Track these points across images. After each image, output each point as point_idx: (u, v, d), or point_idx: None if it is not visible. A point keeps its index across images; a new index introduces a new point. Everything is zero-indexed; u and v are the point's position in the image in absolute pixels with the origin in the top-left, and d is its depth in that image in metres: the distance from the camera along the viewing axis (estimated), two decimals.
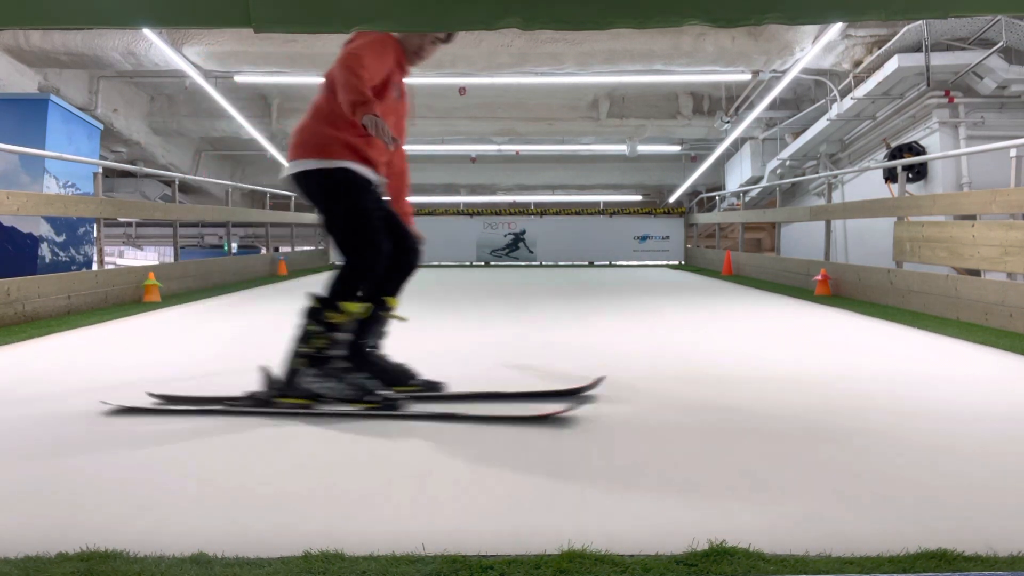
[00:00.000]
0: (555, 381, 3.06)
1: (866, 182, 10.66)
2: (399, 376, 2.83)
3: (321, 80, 2.78)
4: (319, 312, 2.67)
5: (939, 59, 8.59)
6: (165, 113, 13.08)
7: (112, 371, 3.41)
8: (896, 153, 9.45)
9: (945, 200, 6.07)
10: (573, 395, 2.81)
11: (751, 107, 12.07)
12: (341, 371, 2.69)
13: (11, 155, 7.19)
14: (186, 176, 10.89)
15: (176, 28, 9.36)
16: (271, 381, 2.70)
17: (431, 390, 2.84)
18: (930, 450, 2.19)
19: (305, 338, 2.69)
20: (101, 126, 9.55)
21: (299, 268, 11.72)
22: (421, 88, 12.17)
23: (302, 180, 2.76)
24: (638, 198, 18.43)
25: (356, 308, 2.68)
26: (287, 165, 2.77)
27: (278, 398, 2.67)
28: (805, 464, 2.06)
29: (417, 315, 5.60)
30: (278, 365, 2.72)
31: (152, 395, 2.78)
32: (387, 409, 2.61)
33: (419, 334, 4.64)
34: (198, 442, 2.30)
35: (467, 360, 3.71)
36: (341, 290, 2.68)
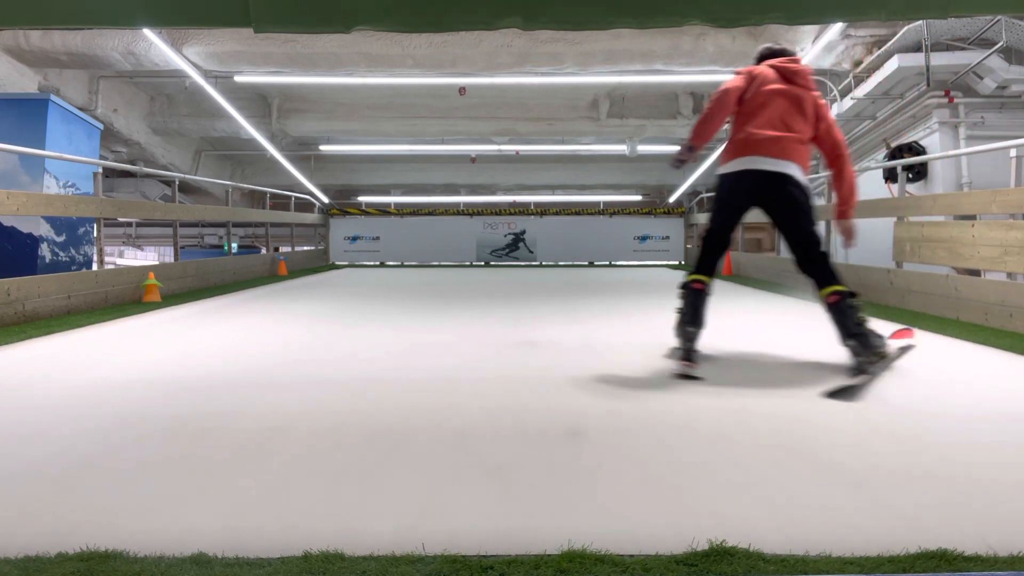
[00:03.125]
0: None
1: (866, 182, 10.63)
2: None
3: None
4: (852, 294, 3.44)
5: (939, 59, 8.58)
6: (165, 113, 13.07)
7: (112, 371, 3.41)
8: (896, 153, 9.45)
9: (945, 200, 6.07)
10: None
11: None
12: (873, 334, 3.46)
13: (11, 155, 7.19)
14: (186, 176, 10.88)
15: (176, 28, 9.36)
16: (860, 350, 3.37)
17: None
18: (930, 450, 2.19)
19: (856, 311, 3.41)
20: (101, 126, 9.55)
21: (299, 268, 11.72)
22: (421, 88, 12.17)
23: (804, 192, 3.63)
24: (638, 198, 18.43)
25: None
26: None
27: (871, 358, 3.37)
28: (805, 464, 2.06)
29: (416, 317, 5.60)
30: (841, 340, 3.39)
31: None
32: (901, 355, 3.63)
33: (417, 336, 4.64)
34: (198, 441, 2.30)
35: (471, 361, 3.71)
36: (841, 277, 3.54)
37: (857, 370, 3.27)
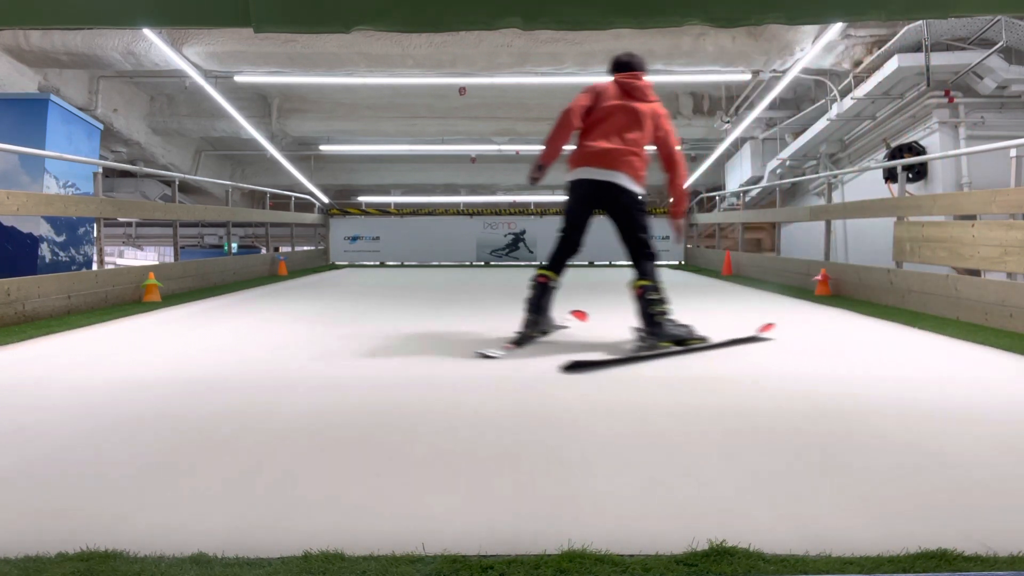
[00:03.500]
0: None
1: (866, 182, 10.65)
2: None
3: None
4: (655, 288, 4.06)
5: (939, 59, 8.58)
6: (165, 113, 13.08)
7: (112, 371, 3.41)
8: (896, 153, 9.45)
9: (945, 200, 6.07)
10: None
11: (751, 107, 12.06)
12: (673, 323, 4.06)
13: (11, 155, 7.19)
14: (186, 176, 10.88)
15: (176, 28, 9.36)
16: (643, 335, 3.98)
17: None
18: (930, 450, 2.19)
19: (656, 303, 4.00)
20: (101, 126, 9.54)
21: (299, 268, 11.72)
22: (421, 88, 12.17)
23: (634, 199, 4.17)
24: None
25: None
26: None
27: (659, 343, 3.92)
28: (805, 464, 2.06)
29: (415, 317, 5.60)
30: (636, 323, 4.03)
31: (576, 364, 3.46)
32: (702, 343, 4.04)
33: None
34: (198, 441, 2.30)
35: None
36: (656, 274, 4.14)
37: (639, 346, 3.96)
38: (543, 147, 4.23)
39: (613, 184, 4.11)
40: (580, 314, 4.86)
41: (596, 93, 4.15)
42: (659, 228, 14.98)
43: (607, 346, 4.05)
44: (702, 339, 4.08)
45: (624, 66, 4.19)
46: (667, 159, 4.25)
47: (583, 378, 3.23)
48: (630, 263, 4.19)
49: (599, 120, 4.13)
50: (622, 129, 4.11)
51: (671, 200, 4.37)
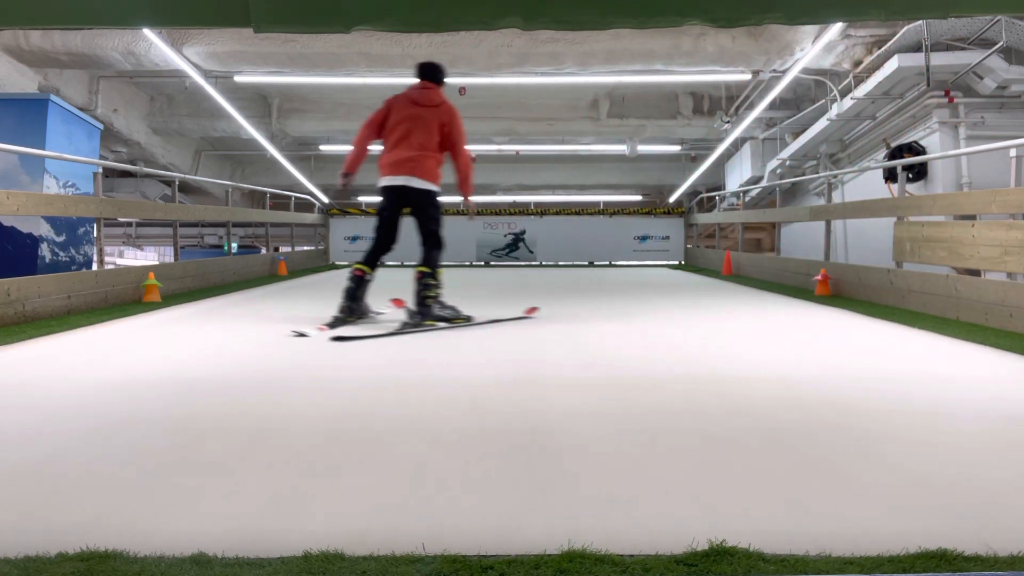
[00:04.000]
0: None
1: (866, 182, 10.65)
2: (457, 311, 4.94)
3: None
4: (432, 275, 4.79)
5: (939, 59, 8.58)
6: (165, 113, 13.08)
7: (112, 371, 3.41)
8: (896, 153, 9.44)
9: (945, 200, 6.07)
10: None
11: (751, 107, 12.06)
12: (441, 305, 4.82)
13: (11, 155, 7.19)
14: (186, 176, 10.89)
15: (176, 28, 9.36)
16: (412, 315, 4.74)
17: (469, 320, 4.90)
18: (930, 450, 2.19)
19: (430, 288, 4.76)
20: (101, 126, 9.55)
21: (299, 268, 11.72)
22: None
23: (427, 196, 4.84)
24: (638, 198, 18.43)
25: (442, 272, 4.87)
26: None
27: (424, 322, 4.67)
28: (805, 464, 2.06)
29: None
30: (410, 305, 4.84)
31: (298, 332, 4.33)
32: (467, 322, 4.86)
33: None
34: (198, 441, 2.30)
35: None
36: (438, 262, 4.88)
37: (404, 323, 4.70)
38: (347, 158, 5.00)
39: (408, 187, 4.79)
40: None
41: (388, 106, 4.88)
42: (659, 228, 14.97)
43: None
44: (467, 318, 4.88)
45: (419, 74, 4.93)
46: (453, 149, 4.91)
47: (580, 376, 3.23)
48: (422, 247, 4.94)
49: (392, 130, 4.81)
50: (414, 136, 4.76)
51: (458, 181, 5.10)
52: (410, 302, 4.87)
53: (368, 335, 4.29)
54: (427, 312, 4.72)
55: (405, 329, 4.53)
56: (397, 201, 4.86)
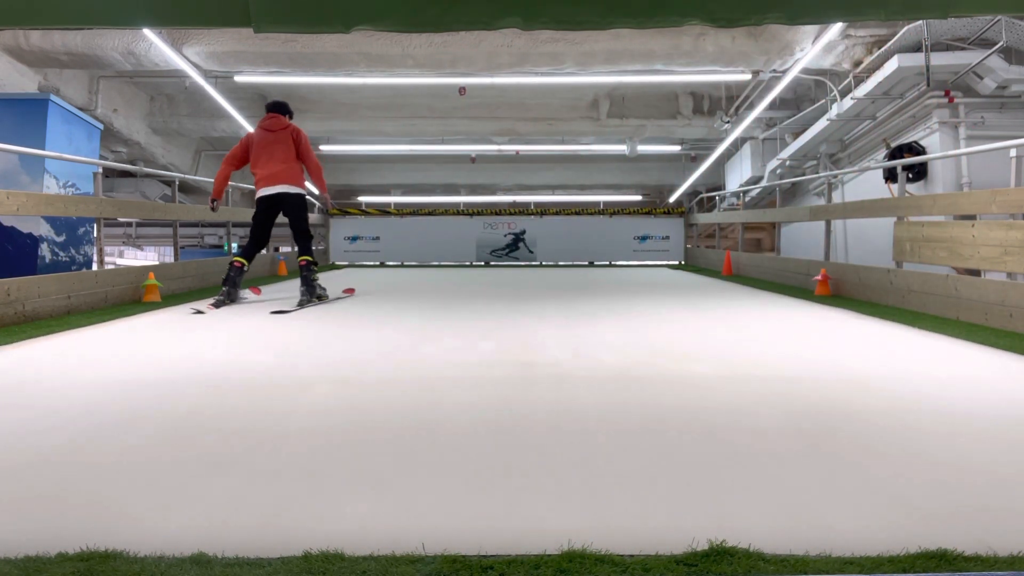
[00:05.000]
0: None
1: (866, 182, 10.65)
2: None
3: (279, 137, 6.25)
4: (314, 263, 6.32)
5: (939, 59, 8.58)
6: (165, 113, 13.07)
7: (112, 371, 3.41)
8: (896, 153, 9.44)
9: (945, 200, 6.07)
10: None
11: (751, 107, 12.07)
12: (320, 287, 6.39)
13: (11, 155, 7.19)
14: (186, 176, 10.88)
15: (176, 28, 9.36)
16: (307, 293, 6.15)
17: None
18: (930, 450, 2.19)
19: (313, 272, 6.27)
20: (101, 126, 9.54)
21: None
22: (421, 88, 12.17)
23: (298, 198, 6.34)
24: (638, 198, 18.43)
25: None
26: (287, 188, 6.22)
27: (311, 299, 6.15)
28: (805, 464, 2.06)
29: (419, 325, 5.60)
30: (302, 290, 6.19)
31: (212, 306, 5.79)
32: (329, 300, 6.45)
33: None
34: (198, 441, 2.30)
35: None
36: (313, 252, 6.37)
37: (300, 303, 6.02)
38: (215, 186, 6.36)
39: (281, 194, 6.18)
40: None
41: (248, 139, 6.31)
42: (659, 228, 14.94)
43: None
44: (327, 298, 6.43)
45: (269, 109, 6.35)
46: (308, 162, 6.29)
47: (580, 376, 3.23)
48: (296, 242, 6.42)
49: (258, 155, 6.17)
50: (276, 153, 6.13)
51: (316, 185, 6.51)
52: (296, 287, 6.45)
53: (287, 310, 5.69)
54: (313, 291, 6.16)
55: (301, 305, 5.99)
56: (270, 205, 6.26)
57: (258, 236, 6.27)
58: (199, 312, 5.48)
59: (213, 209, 6.42)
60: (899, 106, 9.70)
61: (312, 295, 6.13)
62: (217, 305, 5.81)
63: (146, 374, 3.32)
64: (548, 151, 15.57)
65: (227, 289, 6.04)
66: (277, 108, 6.32)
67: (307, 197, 6.17)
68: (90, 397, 2.86)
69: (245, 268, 6.17)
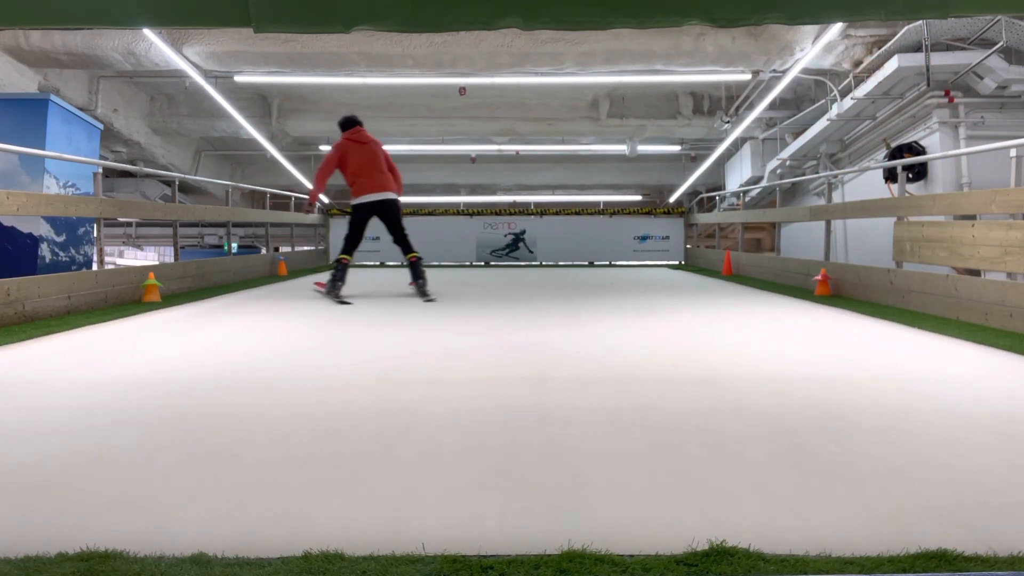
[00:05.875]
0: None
1: (866, 182, 10.66)
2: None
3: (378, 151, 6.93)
4: (421, 258, 6.86)
5: (939, 59, 8.59)
6: (165, 113, 13.08)
7: (112, 371, 3.41)
8: (896, 153, 9.45)
9: (945, 200, 6.07)
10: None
11: (751, 107, 12.07)
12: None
13: (11, 155, 7.19)
14: (186, 176, 10.88)
15: (176, 28, 9.36)
16: (422, 284, 6.77)
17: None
18: (930, 450, 2.19)
19: (423, 266, 6.86)
20: (101, 126, 9.54)
21: (299, 268, 11.72)
22: (421, 88, 12.17)
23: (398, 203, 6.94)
24: (638, 198, 18.43)
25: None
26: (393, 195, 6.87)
27: (428, 291, 6.73)
28: (805, 464, 2.06)
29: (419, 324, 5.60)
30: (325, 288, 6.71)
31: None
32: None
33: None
34: (198, 441, 2.30)
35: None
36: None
37: (423, 293, 6.68)
38: (312, 186, 6.98)
39: (387, 199, 6.77)
40: (320, 284, 7.37)
41: (343, 149, 6.79)
42: (659, 228, 14.95)
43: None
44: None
45: (350, 124, 6.91)
46: (392, 170, 6.93)
47: (579, 375, 3.23)
48: (398, 243, 6.94)
49: (361, 163, 6.72)
50: (376, 163, 6.76)
51: (398, 188, 6.98)
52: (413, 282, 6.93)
53: (433, 298, 6.54)
54: (426, 283, 6.76)
55: (428, 297, 6.60)
56: (373, 209, 6.77)
57: (358, 236, 6.82)
58: (345, 303, 6.31)
59: (309, 211, 7.35)
60: (899, 106, 9.70)
61: (420, 288, 6.75)
62: (329, 294, 6.71)
63: (146, 374, 3.32)
64: (548, 151, 15.57)
65: (340, 284, 6.69)
66: (358, 122, 6.93)
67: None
68: (90, 397, 2.86)
69: (350, 264, 6.84)
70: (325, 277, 6.90)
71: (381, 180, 6.71)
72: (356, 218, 6.79)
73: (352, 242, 6.81)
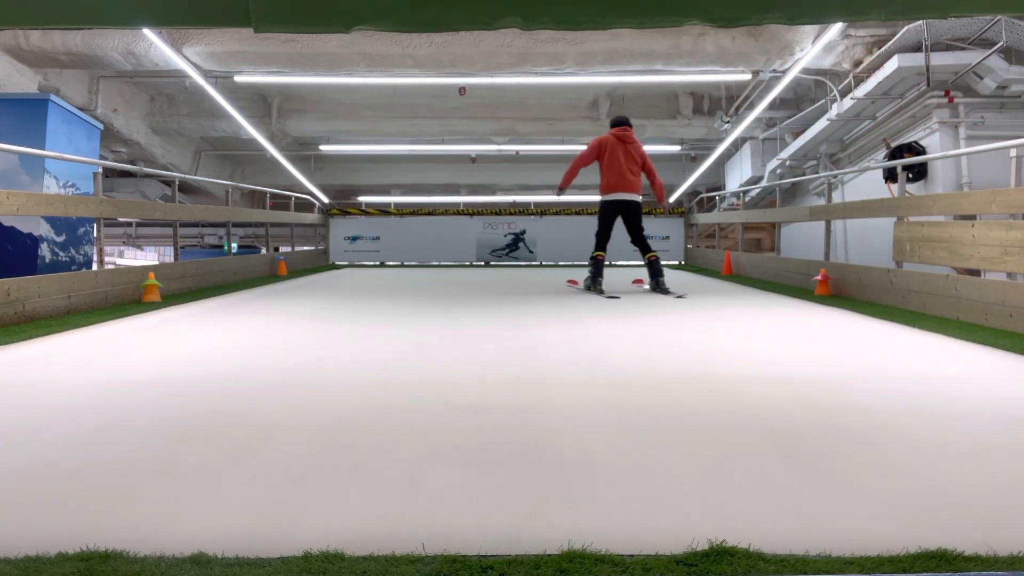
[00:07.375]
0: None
1: (866, 182, 10.65)
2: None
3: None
4: (658, 258, 7.35)
5: (939, 59, 8.58)
6: (165, 113, 13.08)
7: (112, 371, 3.41)
8: (896, 153, 9.44)
9: (945, 200, 6.07)
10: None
11: (751, 107, 12.06)
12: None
13: (11, 155, 7.19)
14: (186, 176, 10.88)
15: (176, 28, 9.36)
16: (663, 283, 7.17)
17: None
18: (930, 450, 2.19)
19: (661, 264, 7.34)
20: (101, 126, 9.55)
21: (299, 268, 11.73)
22: (421, 88, 12.17)
23: (641, 206, 7.36)
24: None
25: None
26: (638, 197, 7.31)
27: (667, 288, 7.08)
28: (805, 464, 2.06)
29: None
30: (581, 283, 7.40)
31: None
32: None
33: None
34: (198, 441, 2.30)
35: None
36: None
37: (664, 289, 7.08)
38: (565, 174, 7.49)
39: (633, 201, 7.22)
40: (574, 281, 7.93)
41: (602, 144, 7.24)
42: (659, 228, 14.95)
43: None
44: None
45: (618, 123, 7.37)
46: (650, 175, 7.45)
47: (580, 375, 3.23)
48: (637, 243, 7.35)
49: (618, 162, 7.14)
50: (626, 163, 7.14)
51: (656, 195, 7.65)
52: (646, 279, 7.55)
53: (681, 294, 6.95)
54: (665, 281, 7.21)
55: (673, 294, 6.98)
56: (619, 208, 7.24)
57: (608, 232, 7.27)
58: (614, 297, 6.66)
59: (561, 191, 7.64)
60: (899, 106, 9.70)
61: (661, 286, 7.14)
62: (589, 289, 7.17)
63: (146, 374, 3.32)
64: (548, 151, 15.56)
65: (599, 279, 7.12)
66: (628, 122, 7.32)
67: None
68: (90, 397, 2.86)
69: (604, 259, 7.29)
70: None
71: (629, 181, 7.11)
72: (604, 215, 7.23)
73: (603, 238, 7.22)
